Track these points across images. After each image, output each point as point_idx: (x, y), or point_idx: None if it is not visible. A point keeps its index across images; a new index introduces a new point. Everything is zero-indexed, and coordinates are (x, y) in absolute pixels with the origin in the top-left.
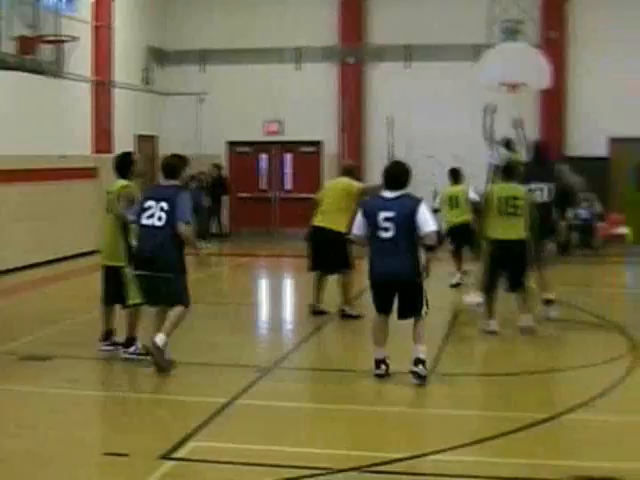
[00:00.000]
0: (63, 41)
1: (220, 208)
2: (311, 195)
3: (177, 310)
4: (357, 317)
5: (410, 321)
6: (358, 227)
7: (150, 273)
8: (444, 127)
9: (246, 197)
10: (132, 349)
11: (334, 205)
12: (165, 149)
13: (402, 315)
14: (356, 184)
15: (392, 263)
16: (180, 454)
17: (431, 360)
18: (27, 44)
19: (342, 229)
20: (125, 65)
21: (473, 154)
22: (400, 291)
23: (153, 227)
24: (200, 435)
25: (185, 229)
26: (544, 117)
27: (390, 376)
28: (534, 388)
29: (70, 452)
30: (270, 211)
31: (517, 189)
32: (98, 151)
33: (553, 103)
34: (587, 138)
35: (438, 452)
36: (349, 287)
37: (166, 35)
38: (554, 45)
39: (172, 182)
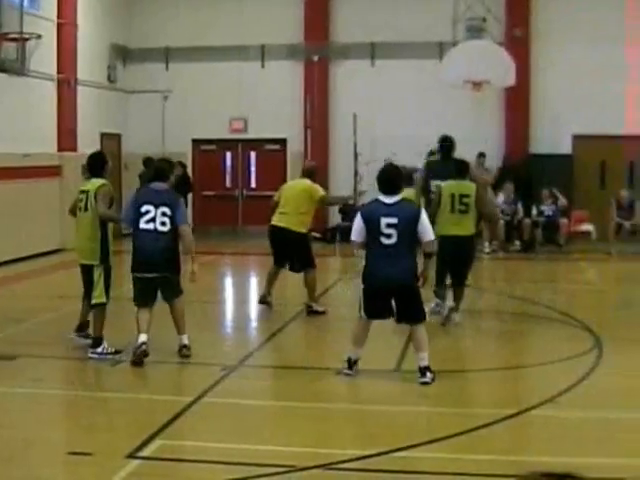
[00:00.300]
0: (27, 39)
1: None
2: (276, 193)
3: (178, 304)
4: (323, 313)
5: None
6: (358, 233)
7: (153, 275)
8: (408, 125)
9: (211, 195)
10: (99, 349)
11: (295, 208)
12: (130, 147)
13: (403, 319)
14: (321, 191)
15: (393, 268)
16: (146, 453)
17: (396, 357)
18: None
19: (303, 230)
20: (89, 63)
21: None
22: (400, 296)
23: (156, 231)
24: (166, 433)
25: (189, 232)
26: (509, 115)
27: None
28: (498, 384)
29: (34, 451)
30: (235, 209)
31: (468, 187)
32: (63, 149)
33: (518, 100)
34: (552, 135)
35: (402, 449)
36: (314, 284)
37: (130, 32)
38: (518, 42)
39: (163, 186)
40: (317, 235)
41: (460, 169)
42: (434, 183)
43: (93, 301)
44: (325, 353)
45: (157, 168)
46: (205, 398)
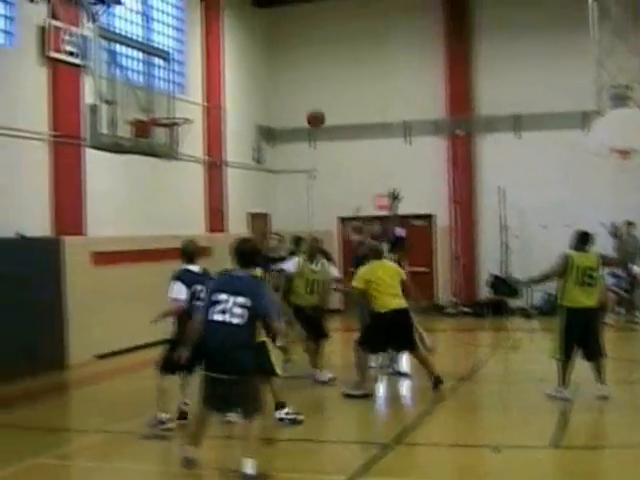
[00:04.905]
0: (177, 124)
1: None
2: (423, 269)
3: (256, 424)
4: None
5: None
6: None
7: (223, 376)
8: (556, 196)
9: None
10: (284, 411)
11: (397, 286)
12: (278, 226)
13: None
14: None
15: None
16: None
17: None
18: (142, 127)
19: None
20: (236, 144)
21: (586, 223)
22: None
23: (228, 324)
24: None
25: (279, 325)
26: None
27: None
28: None
29: None
30: None
31: (593, 259)
32: (212, 230)
33: None
34: None
35: None
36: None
37: (275, 114)
38: None
39: (247, 272)
40: (467, 310)
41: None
42: None
43: (277, 373)
44: (478, 429)
45: (241, 252)
46: (359, 478)
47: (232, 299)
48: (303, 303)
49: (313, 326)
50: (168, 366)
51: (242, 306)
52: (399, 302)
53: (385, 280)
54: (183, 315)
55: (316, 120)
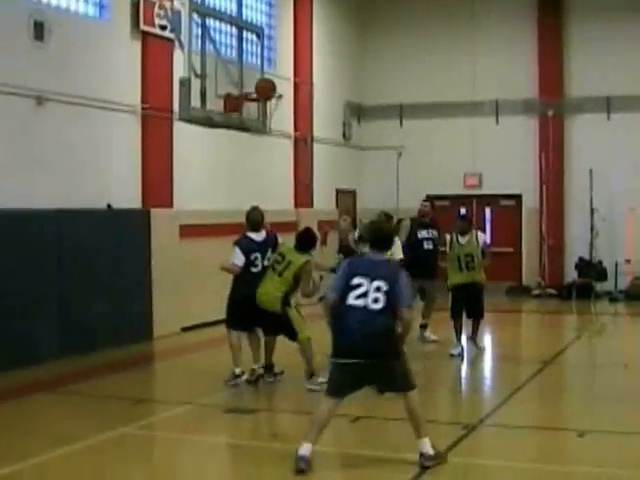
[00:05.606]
0: (267, 99)
1: None
2: (510, 249)
3: (415, 400)
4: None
5: None
6: None
7: (362, 361)
8: None
9: (443, 251)
10: (320, 379)
11: None
12: (365, 203)
13: None
14: None
15: None
16: None
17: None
18: (233, 102)
19: None
20: (325, 120)
21: None
22: None
23: (366, 309)
24: None
25: (407, 314)
26: None
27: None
28: None
29: None
30: None
31: None
32: (299, 205)
33: None
34: None
35: None
36: None
37: (364, 90)
38: None
39: (383, 256)
40: (553, 292)
41: None
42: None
43: (301, 336)
44: (562, 413)
45: (380, 233)
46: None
47: (371, 284)
48: None
49: None
50: (231, 323)
51: (380, 290)
52: None
53: None
54: (238, 277)
55: (264, 90)
